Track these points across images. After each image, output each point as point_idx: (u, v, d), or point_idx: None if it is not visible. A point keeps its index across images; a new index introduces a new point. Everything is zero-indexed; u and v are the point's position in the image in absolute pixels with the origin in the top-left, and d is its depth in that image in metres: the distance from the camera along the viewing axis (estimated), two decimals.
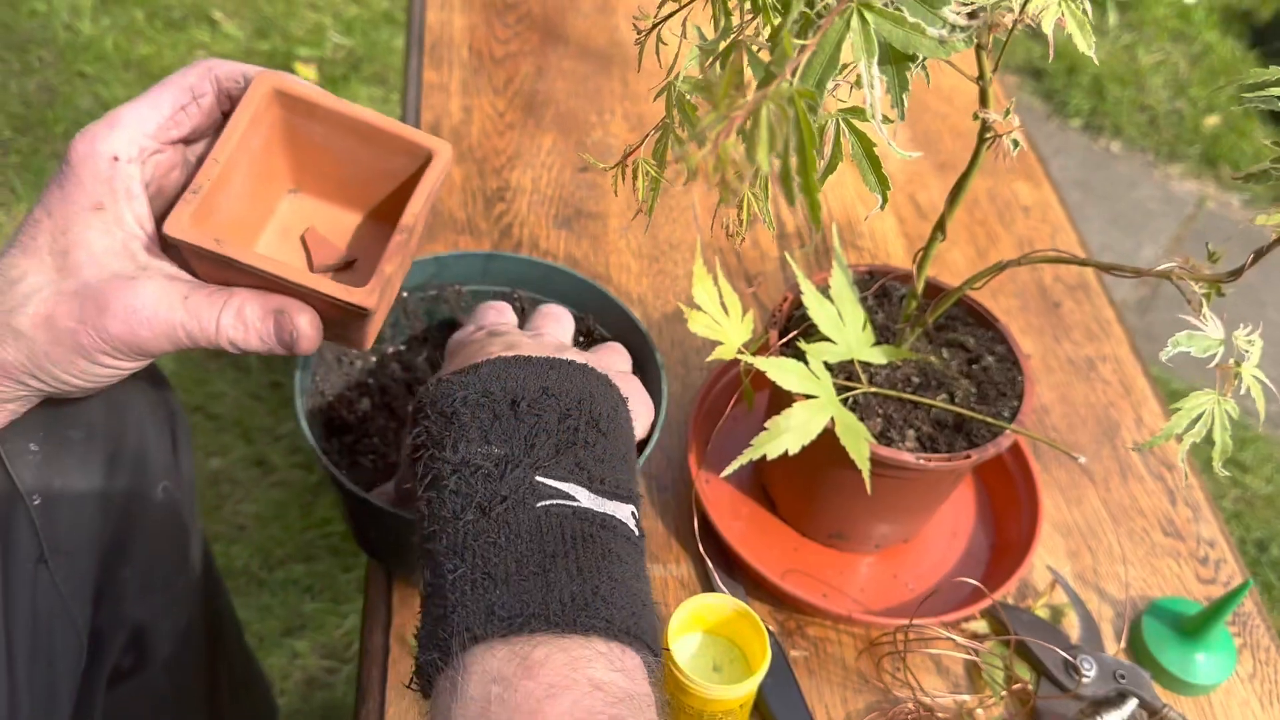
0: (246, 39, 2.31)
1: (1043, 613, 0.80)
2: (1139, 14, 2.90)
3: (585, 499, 0.49)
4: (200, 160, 0.57)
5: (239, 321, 0.54)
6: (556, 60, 1.19)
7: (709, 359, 0.71)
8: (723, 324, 0.73)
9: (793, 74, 0.31)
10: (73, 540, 0.66)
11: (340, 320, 0.56)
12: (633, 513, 0.51)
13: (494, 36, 1.20)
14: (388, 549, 0.73)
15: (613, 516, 0.50)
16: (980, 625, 0.78)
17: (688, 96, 0.41)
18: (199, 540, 0.80)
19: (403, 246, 0.56)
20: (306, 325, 0.55)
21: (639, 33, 0.47)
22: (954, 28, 0.34)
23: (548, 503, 0.48)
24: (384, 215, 0.62)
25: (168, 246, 0.55)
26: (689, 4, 0.46)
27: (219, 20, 2.33)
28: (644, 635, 0.46)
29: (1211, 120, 2.64)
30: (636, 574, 0.49)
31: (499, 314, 0.69)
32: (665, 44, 0.47)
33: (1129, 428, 0.94)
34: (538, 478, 0.49)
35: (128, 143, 0.53)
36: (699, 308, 0.73)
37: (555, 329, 0.66)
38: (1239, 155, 2.56)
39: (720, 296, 0.74)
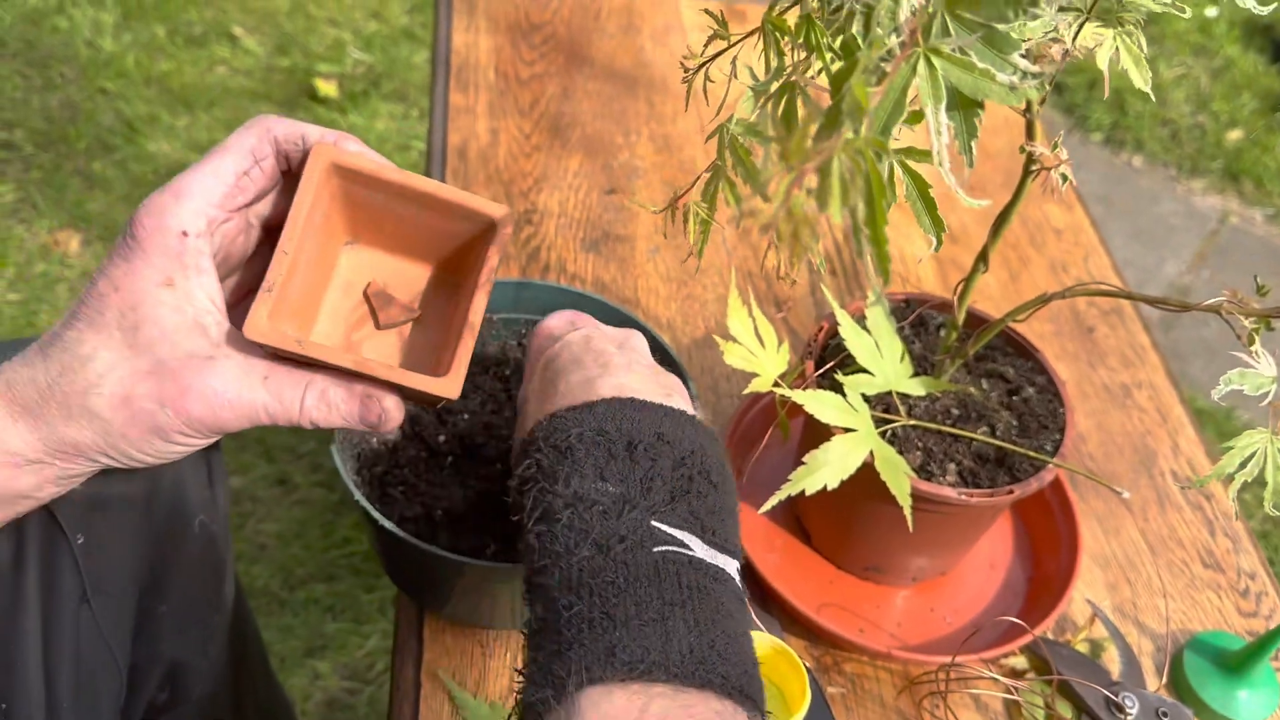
0: (267, 55, 2.31)
1: (1082, 647, 0.79)
2: (1160, 28, 2.88)
3: (699, 549, 0.48)
4: (267, 227, 0.57)
5: (322, 403, 0.53)
6: (582, 82, 1.18)
7: (745, 391, 0.70)
8: (758, 355, 0.72)
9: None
10: (113, 579, 0.65)
11: (418, 395, 0.57)
12: (739, 569, 0.51)
13: (519, 58, 1.19)
14: (420, 584, 0.72)
15: (724, 570, 0.49)
16: (1019, 661, 0.77)
17: (741, 140, 0.40)
18: (232, 573, 0.79)
19: (474, 328, 0.57)
20: (394, 408, 0.55)
21: (686, 70, 0.46)
22: (1025, 74, 0.33)
23: (664, 548, 0.47)
24: (444, 266, 0.61)
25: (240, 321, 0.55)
26: (739, 43, 0.45)
27: (239, 36, 2.34)
28: (755, 695, 0.45)
29: (1234, 135, 2.62)
30: (745, 632, 0.48)
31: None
32: (713, 81, 0.46)
33: (1166, 456, 0.93)
34: (654, 522, 0.48)
35: (195, 215, 0.51)
36: (734, 339, 0.72)
37: (640, 344, 0.62)
38: (1262, 170, 2.54)
39: (755, 327, 0.73)
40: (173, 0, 2.38)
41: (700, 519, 0.49)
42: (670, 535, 0.48)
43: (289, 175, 0.56)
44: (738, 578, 0.50)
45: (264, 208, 0.57)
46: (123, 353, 0.50)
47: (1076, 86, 2.68)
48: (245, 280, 0.59)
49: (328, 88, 2.22)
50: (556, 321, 0.62)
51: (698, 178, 0.43)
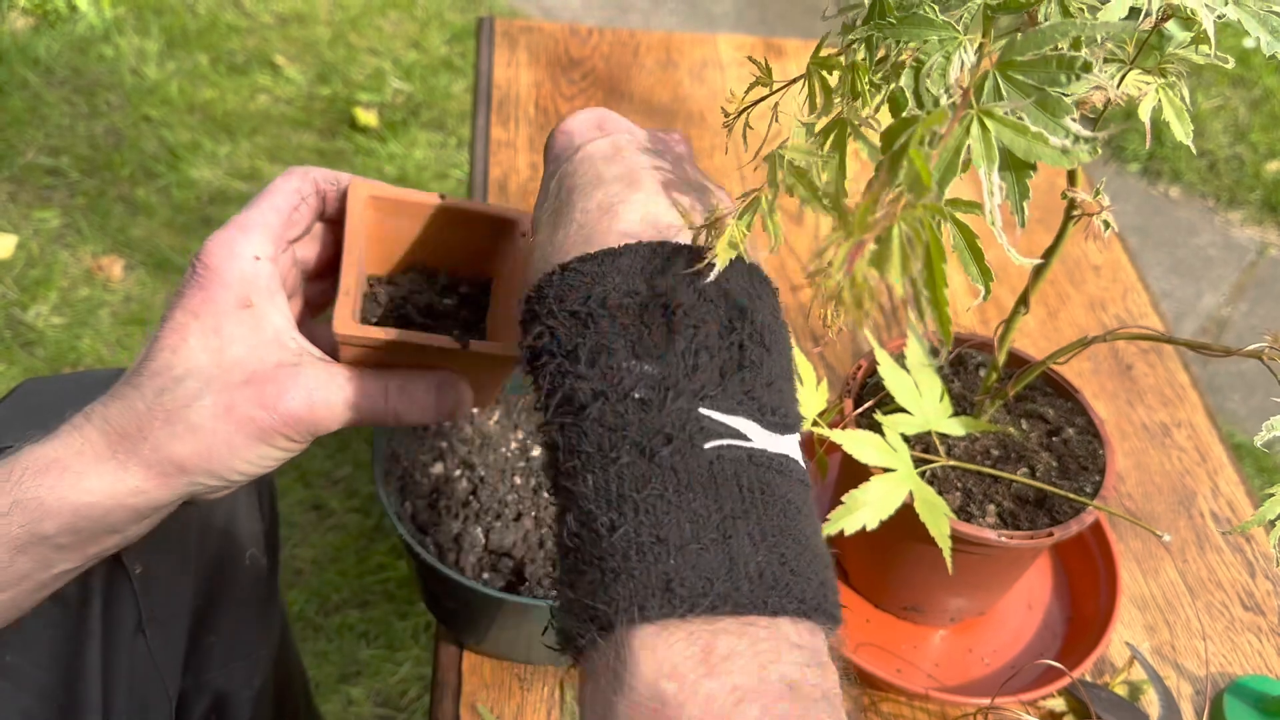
0: (308, 84, 2.35)
1: (1121, 690, 0.78)
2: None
3: (758, 437, 0.41)
4: (308, 273, 0.63)
5: (404, 395, 0.57)
6: (621, 116, 1.19)
7: None
8: (797, 393, 0.73)
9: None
10: (167, 609, 0.67)
11: (476, 382, 0.61)
12: (800, 441, 0.44)
13: (559, 93, 1.20)
14: (458, 617, 0.73)
15: (787, 457, 0.42)
16: (1057, 703, 0.76)
17: (794, 162, 0.40)
18: (279, 605, 0.81)
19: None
20: (467, 392, 0.59)
21: (727, 115, 0.47)
22: (1077, 138, 0.33)
23: (718, 443, 0.40)
24: (473, 282, 0.68)
25: (314, 337, 0.60)
26: (782, 90, 0.45)
27: (281, 65, 2.38)
28: (832, 609, 0.40)
29: (1273, 166, 2.60)
30: (815, 527, 0.42)
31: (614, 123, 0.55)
32: (753, 128, 0.47)
33: (1205, 496, 0.92)
34: (703, 410, 0.40)
35: (261, 242, 0.55)
36: None
37: (682, 148, 0.54)
38: None
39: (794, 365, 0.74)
40: (216, 29, 2.43)
41: (757, 397, 0.42)
42: (724, 425, 0.40)
43: (325, 221, 0.62)
44: (800, 456, 0.43)
45: (307, 252, 0.61)
46: (213, 371, 0.52)
47: (1113, 116, 2.68)
48: (295, 314, 0.62)
49: (367, 117, 2.25)
50: (578, 123, 0.52)
51: (743, 197, 0.43)
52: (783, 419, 0.42)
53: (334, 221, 0.62)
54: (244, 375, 0.52)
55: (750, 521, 0.39)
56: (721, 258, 0.43)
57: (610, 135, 0.50)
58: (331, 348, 0.58)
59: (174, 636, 0.68)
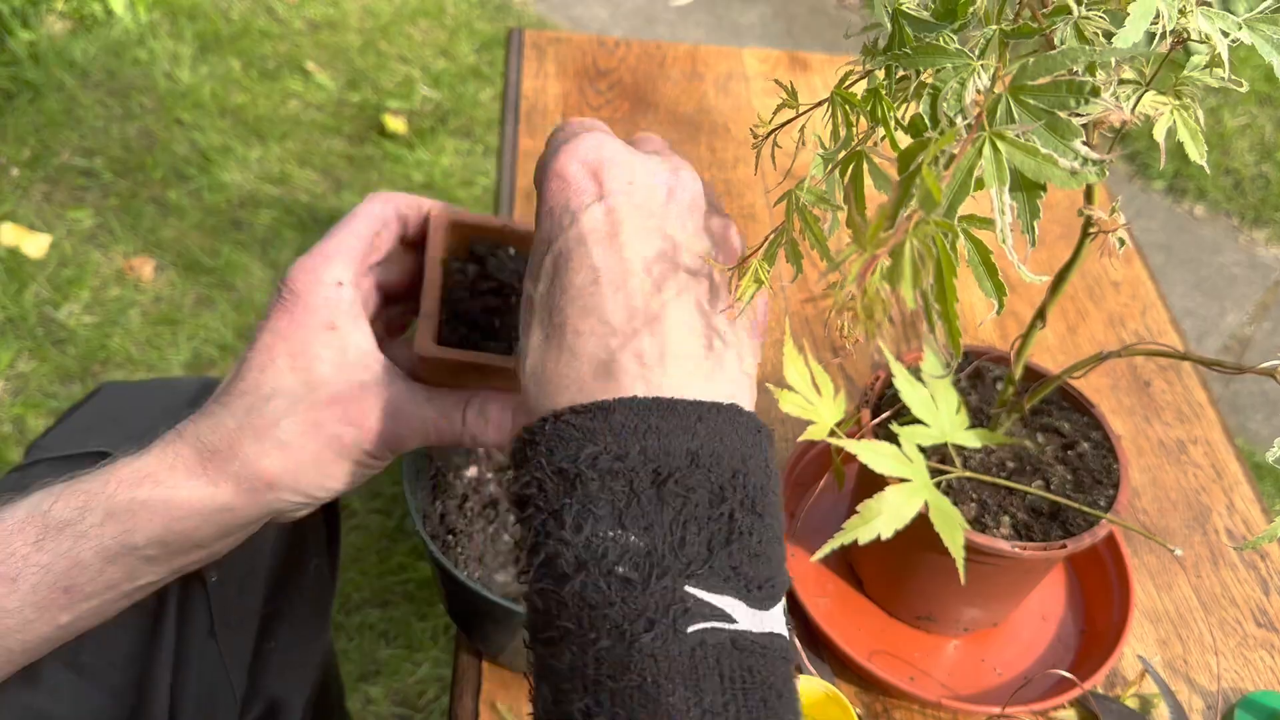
0: (338, 90, 2.38)
1: (1132, 702, 0.79)
2: None
3: (743, 617, 0.40)
4: (386, 294, 0.65)
5: (481, 417, 0.58)
6: (646, 126, 1.21)
7: (800, 438, 0.72)
8: (815, 403, 0.74)
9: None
10: (237, 615, 0.69)
11: None
12: (784, 608, 0.43)
13: (586, 103, 1.22)
14: (482, 633, 0.74)
15: (771, 634, 0.41)
16: (1069, 714, 0.77)
17: (809, 208, 0.42)
18: (330, 614, 0.82)
19: None
20: None
21: (756, 137, 0.48)
22: (1086, 160, 0.34)
23: (701, 626, 0.39)
24: None
25: (394, 357, 0.61)
26: (807, 112, 0.47)
27: (312, 71, 2.41)
28: None
29: None
30: (795, 709, 0.41)
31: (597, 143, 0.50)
32: (780, 147, 0.49)
33: (1220, 513, 0.93)
34: (688, 588, 0.39)
35: (344, 268, 0.57)
36: (790, 387, 0.73)
37: (687, 195, 0.50)
38: None
39: (812, 375, 0.75)
40: (248, 35, 2.46)
41: (744, 572, 0.41)
42: (709, 605, 0.39)
43: (405, 245, 0.63)
44: (783, 625, 0.42)
45: (387, 275, 0.63)
46: (300, 390, 0.54)
47: (1139, 134, 2.68)
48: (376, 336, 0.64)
49: (396, 123, 2.28)
50: (575, 173, 0.48)
51: (765, 239, 0.45)
52: (769, 591, 0.42)
53: (414, 244, 0.64)
54: (329, 394, 0.54)
55: (730, 713, 0.38)
56: (745, 293, 0.45)
57: (606, 196, 0.47)
58: (411, 366, 0.59)
59: (241, 643, 0.70)
